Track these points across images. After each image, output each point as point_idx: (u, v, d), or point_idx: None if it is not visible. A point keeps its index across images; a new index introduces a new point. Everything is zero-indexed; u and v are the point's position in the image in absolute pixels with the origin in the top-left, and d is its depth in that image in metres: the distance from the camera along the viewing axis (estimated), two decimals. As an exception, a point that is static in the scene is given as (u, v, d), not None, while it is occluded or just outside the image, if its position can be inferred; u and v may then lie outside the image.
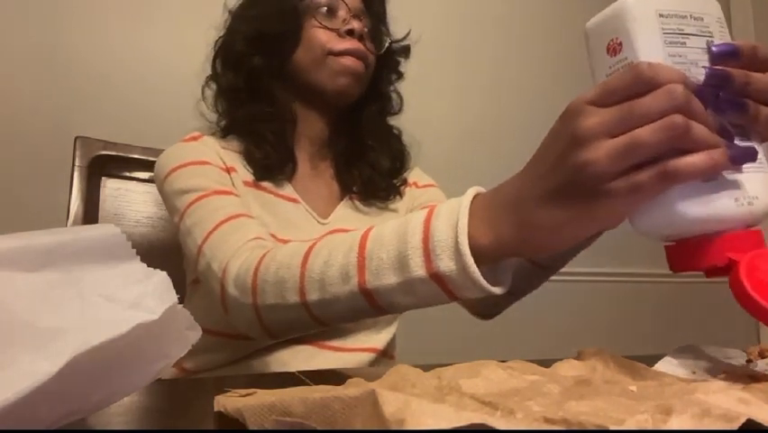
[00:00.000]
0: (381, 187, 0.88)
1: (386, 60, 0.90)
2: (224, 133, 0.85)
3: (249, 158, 0.82)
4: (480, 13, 1.91)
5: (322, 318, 0.56)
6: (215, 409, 0.33)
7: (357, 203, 0.88)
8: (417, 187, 0.94)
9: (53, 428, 0.28)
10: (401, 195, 0.91)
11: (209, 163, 0.77)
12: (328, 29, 0.81)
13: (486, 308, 0.84)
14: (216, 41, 0.87)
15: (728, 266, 0.37)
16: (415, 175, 0.95)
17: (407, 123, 0.95)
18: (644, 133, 0.36)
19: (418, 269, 0.46)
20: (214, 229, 0.68)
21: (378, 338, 0.83)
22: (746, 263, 0.36)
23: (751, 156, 0.37)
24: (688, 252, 0.39)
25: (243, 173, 0.81)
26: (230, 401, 0.32)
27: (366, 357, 0.81)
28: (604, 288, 1.86)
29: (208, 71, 0.87)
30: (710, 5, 0.40)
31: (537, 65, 1.95)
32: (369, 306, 0.51)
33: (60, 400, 0.27)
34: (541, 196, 0.41)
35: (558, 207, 0.40)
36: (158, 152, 0.98)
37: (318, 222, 0.84)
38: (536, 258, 0.66)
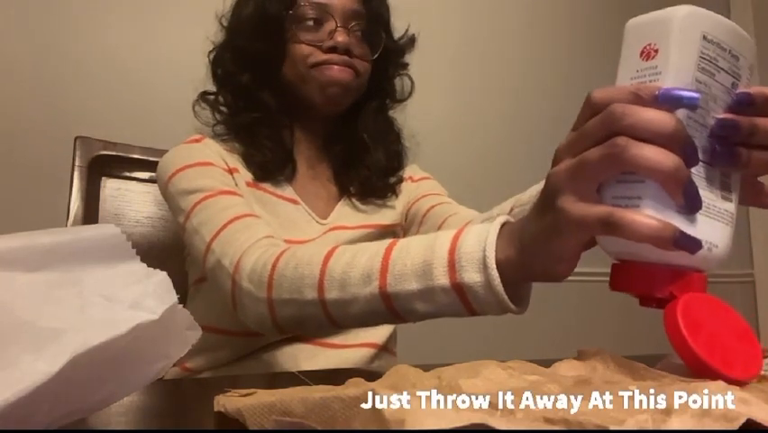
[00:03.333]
0: (378, 186, 0.89)
1: (385, 58, 0.88)
2: (223, 137, 0.85)
3: (248, 160, 0.82)
4: (482, 10, 1.91)
5: (336, 318, 0.56)
6: (215, 409, 0.33)
7: (355, 202, 0.89)
8: (413, 181, 0.95)
9: (53, 428, 0.28)
10: (396, 194, 0.92)
11: (213, 165, 0.78)
12: (311, 44, 0.80)
13: None
14: (209, 53, 0.87)
15: (666, 300, 0.38)
16: (410, 170, 0.96)
17: (408, 120, 0.94)
18: (589, 152, 0.38)
19: (441, 277, 0.47)
20: (224, 227, 0.68)
21: (377, 333, 0.83)
22: (685, 301, 0.36)
23: (694, 248, 0.37)
24: (633, 274, 0.40)
25: (245, 174, 0.81)
26: (230, 401, 0.32)
27: (367, 353, 0.82)
28: (604, 288, 1.85)
29: (208, 74, 0.87)
30: (748, 49, 0.40)
31: (540, 64, 1.95)
32: (386, 310, 0.51)
33: (60, 400, 0.27)
34: (534, 214, 0.43)
35: (539, 221, 0.42)
36: (158, 152, 0.99)
37: (318, 222, 0.85)
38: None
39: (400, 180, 0.92)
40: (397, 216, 0.91)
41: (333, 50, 0.79)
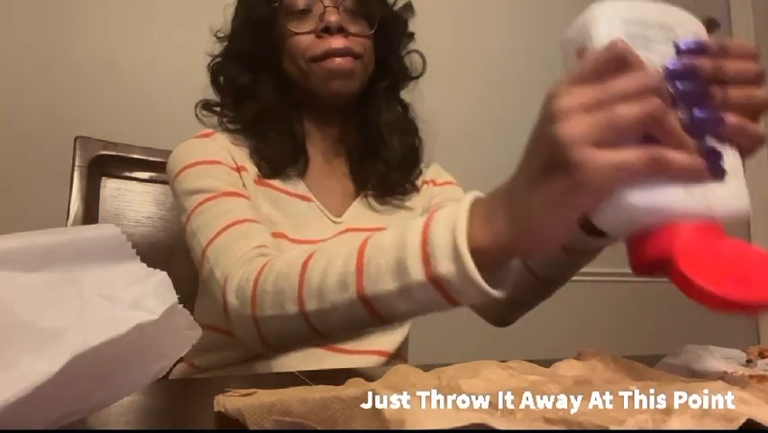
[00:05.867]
0: (396, 183, 0.86)
1: (386, 31, 0.83)
2: (232, 132, 0.83)
3: (257, 155, 0.80)
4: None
5: (320, 329, 0.55)
6: (215, 409, 0.33)
7: (371, 201, 0.86)
8: (435, 184, 0.91)
9: (53, 428, 0.28)
10: (417, 189, 0.88)
11: (220, 162, 0.76)
12: (304, 33, 0.78)
13: (496, 315, 0.82)
14: (209, 64, 0.86)
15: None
16: (432, 172, 0.92)
17: (424, 113, 0.91)
18: (623, 108, 0.36)
19: (417, 273, 0.45)
20: (219, 234, 0.67)
21: (389, 340, 0.81)
22: (686, 246, 0.36)
23: (720, 173, 0.37)
24: (638, 245, 0.39)
25: (254, 171, 0.79)
26: (230, 401, 0.32)
27: (377, 360, 0.79)
28: (604, 288, 1.86)
29: (208, 80, 0.86)
30: (683, 20, 0.42)
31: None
32: (368, 314, 0.50)
33: (60, 400, 0.27)
34: (525, 182, 0.41)
35: (542, 190, 0.39)
36: (158, 152, 0.99)
37: (331, 221, 0.82)
38: (536, 267, 0.66)
39: (419, 174, 0.89)
40: (415, 218, 0.87)
41: (326, 30, 0.77)
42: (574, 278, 0.68)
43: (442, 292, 0.45)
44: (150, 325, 0.29)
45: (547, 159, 0.38)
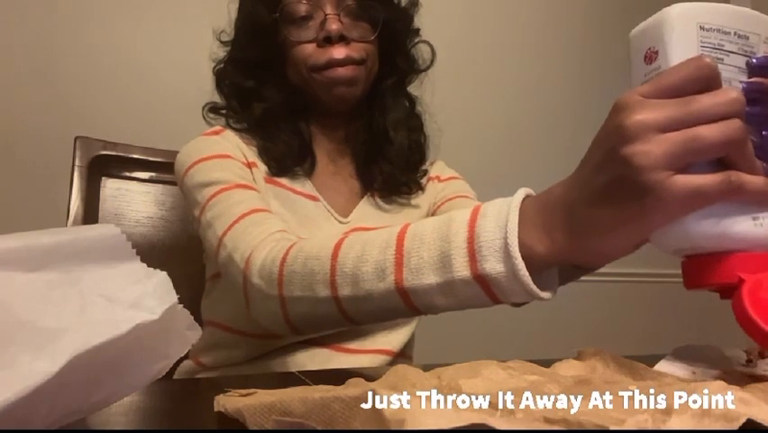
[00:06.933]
0: (402, 182, 0.86)
1: (391, 31, 0.82)
2: (240, 131, 0.83)
3: (265, 154, 0.80)
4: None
5: (353, 315, 0.53)
6: (215, 409, 0.33)
7: (378, 200, 0.86)
8: (440, 180, 0.91)
9: (53, 428, 0.28)
10: (423, 188, 0.88)
11: (231, 157, 0.76)
12: (305, 42, 0.77)
13: None
14: (213, 68, 0.86)
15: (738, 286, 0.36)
16: (437, 169, 0.92)
17: (432, 106, 0.91)
18: (705, 130, 0.34)
19: (462, 269, 0.44)
20: (237, 221, 0.66)
21: (394, 339, 0.81)
22: (753, 283, 0.35)
23: None
24: (700, 268, 0.38)
25: (264, 169, 0.80)
26: (230, 401, 0.32)
27: (383, 359, 0.79)
28: (604, 288, 1.86)
29: (212, 81, 0.86)
30: (760, 24, 0.39)
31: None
32: (404, 305, 0.49)
33: (60, 400, 0.27)
34: (591, 197, 0.39)
35: (608, 208, 0.38)
36: (158, 152, 0.99)
37: (338, 221, 0.82)
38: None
39: (424, 173, 0.89)
40: (422, 215, 0.88)
41: (327, 40, 0.76)
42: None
43: (486, 291, 0.44)
44: (151, 325, 0.29)
45: (616, 177, 0.37)
